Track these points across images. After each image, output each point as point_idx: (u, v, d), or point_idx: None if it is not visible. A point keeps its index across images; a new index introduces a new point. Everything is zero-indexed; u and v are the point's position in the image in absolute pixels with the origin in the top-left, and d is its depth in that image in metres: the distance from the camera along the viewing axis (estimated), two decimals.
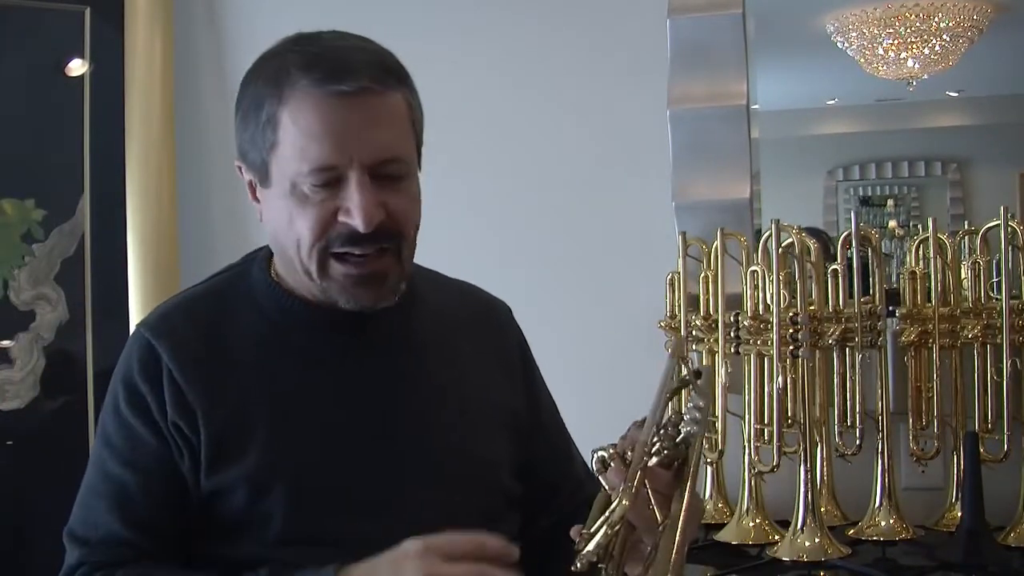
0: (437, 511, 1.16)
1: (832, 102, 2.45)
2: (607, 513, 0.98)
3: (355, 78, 1.12)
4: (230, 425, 1.17)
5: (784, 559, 1.66)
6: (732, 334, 1.80)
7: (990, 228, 1.79)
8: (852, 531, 1.77)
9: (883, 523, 1.75)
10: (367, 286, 1.18)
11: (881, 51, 2.26)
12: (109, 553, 1.16)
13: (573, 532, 1.00)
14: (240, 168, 1.23)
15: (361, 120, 1.13)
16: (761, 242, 1.79)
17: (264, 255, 1.29)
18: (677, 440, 1.03)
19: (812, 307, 1.75)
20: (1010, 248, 1.75)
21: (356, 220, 1.13)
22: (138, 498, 1.17)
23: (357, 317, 1.23)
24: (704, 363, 1.92)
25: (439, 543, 1.01)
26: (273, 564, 1.11)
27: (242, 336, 1.22)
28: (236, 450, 1.16)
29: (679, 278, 1.93)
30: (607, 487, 1.03)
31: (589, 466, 1.08)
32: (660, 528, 1.01)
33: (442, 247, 2.19)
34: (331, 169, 1.13)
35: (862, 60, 2.28)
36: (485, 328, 1.38)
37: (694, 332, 1.90)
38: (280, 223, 1.18)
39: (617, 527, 0.97)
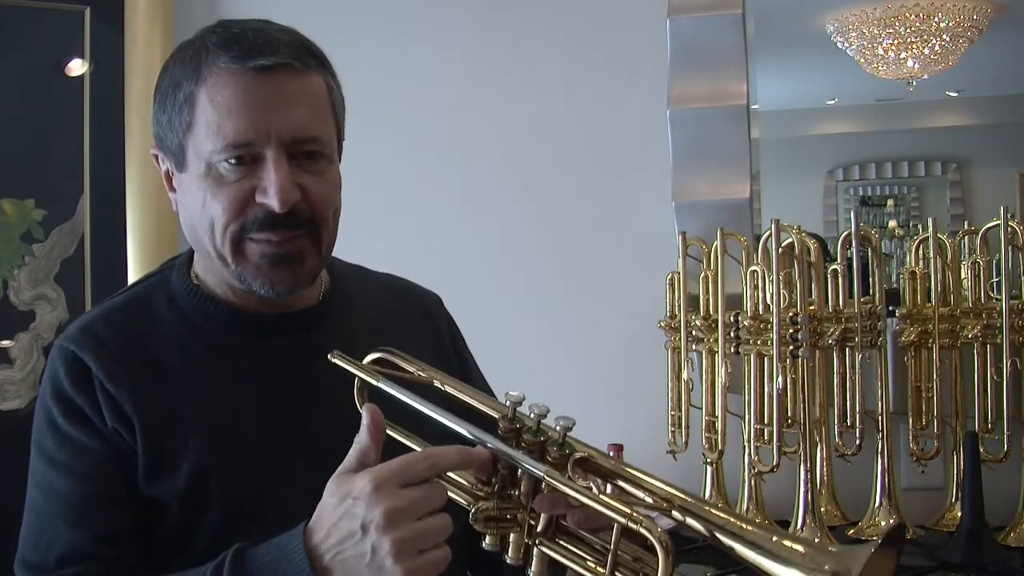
0: None
1: (832, 102, 2.45)
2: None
3: (274, 54, 1.09)
4: (162, 438, 1.12)
5: None
6: (732, 334, 1.80)
7: (990, 228, 1.79)
8: (852, 531, 1.78)
9: (883, 523, 1.75)
10: (283, 266, 1.13)
11: (881, 51, 2.26)
12: (72, 573, 1.07)
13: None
14: (156, 157, 1.19)
15: (280, 96, 1.10)
16: (761, 242, 1.79)
17: (183, 260, 1.24)
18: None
19: (812, 307, 1.75)
20: (1010, 248, 1.75)
21: (272, 199, 1.09)
22: (99, 508, 1.10)
23: (282, 320, 1.19)
24: (704, 363, 1.92)
25: (390, 473, 0.94)
26: (237, 545, 1.02)
27: (166, 343, 1.17)
28: (170, 463, 1.12)
29: (679, 278, 1.93)
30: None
31: None
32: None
33: (440, 246, 2.21)
34: (247, 145, 1.09)
35: (862, 60, 2.28)
36: (415, 321, 1.33)
37: (694, 332, 1.90)
38: (194, 208, 1.13)
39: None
